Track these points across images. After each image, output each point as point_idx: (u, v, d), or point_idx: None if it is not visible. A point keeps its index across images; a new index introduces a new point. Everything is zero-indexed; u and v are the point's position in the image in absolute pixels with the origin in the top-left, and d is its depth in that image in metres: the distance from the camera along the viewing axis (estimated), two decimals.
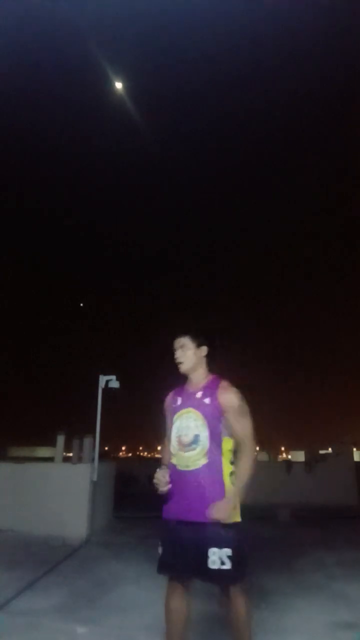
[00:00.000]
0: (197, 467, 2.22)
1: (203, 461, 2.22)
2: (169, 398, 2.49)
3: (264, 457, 13.72)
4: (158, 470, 2.31)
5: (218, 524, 2.12)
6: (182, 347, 2.39)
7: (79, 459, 6.70)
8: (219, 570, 2.06)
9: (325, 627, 2.98)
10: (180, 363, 2.39)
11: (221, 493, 2.18)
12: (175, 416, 2.35)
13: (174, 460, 2.30)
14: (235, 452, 2.32)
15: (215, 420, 2.28)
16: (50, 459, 8.01)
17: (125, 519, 7.51)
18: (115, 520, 7.34)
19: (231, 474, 2.24)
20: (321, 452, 12.51)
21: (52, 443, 7.65)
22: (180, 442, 2.28)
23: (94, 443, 6.74)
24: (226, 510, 2.12)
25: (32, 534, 5.63)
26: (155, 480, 2.27)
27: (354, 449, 12.84)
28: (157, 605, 2.89)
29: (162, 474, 2.27)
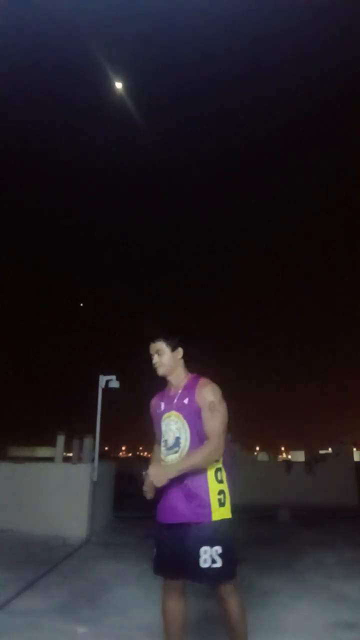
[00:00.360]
0: None
1: None
2: (153, 403, 2.47)
3: (264, 457, 13.74)
4: (144, 476, 2.30)
5: (211, 522, 2.12)
6: (157, 352, 2.37)
7: (79, 459, 6.70)
8: (210, 569, 2.05)
9: (325, 627, 2.97)
10: (157, 368, 2.38)
11: (205, 491, 2.16)
12: (162, 422, 2.35)
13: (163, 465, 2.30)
14: None
15: (196, 419, 2.24)
16: (50, 459, 8.00)
17: (125, 519, 7.51)
18: (115, 520, 7.33)
19: (217, 470, 2.22)
20: (321, 452, 12.51)
21: (52, 443, 7.65)
22: (165, 446, 2.31)
23: (94, 443, 6.74)
24: (162, 473, 2.11)
25: (32, 534, 5.63)
26: (144, 488, 2.29)
27: (354, 449, 12.84)
28: (157, 605, 2.89)
29: (147, 483, 2.28)
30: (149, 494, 2.27)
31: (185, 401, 2.29)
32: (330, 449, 13.02)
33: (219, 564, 2.06)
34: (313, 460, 10.71)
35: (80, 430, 7.09)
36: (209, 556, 2.06)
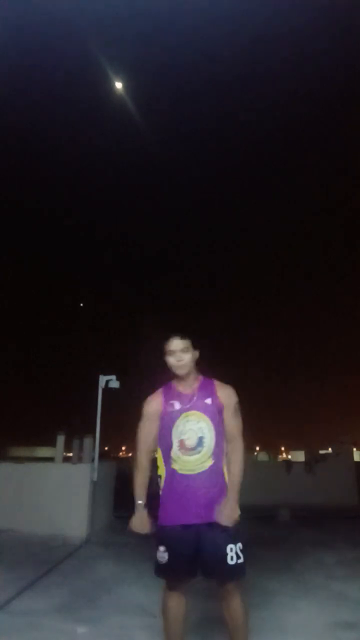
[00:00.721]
0: (203, 469, 2.24)
1: (209, 463, 2.25)
2: (159, 403, 2.39)
3: (264, 457, 13.73)
4: (139, 510, 2.31)
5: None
6: (183, 350, 2.35)
7: (79, 459, 6.70)
8: (237, 565, 2.15)
9: (325, 627, 2.97)
10: (180, 366, 2.35)
11: (224, 490, 2.25)
12: (177, 421, 2.30)
13: (174, 466, 2.27)
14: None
15: (219, 419, 2.31)
16: (50, 459, 8.01)
17: (125, 519, 7.44)
18: (115, 520, 7.33)
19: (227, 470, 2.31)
20: (321, 452, 12.52)
21: (52, 443, 7.65)
22: (182, 446, 2.26)
23: (94, 443, 6.74)
24: (234, 510, 2.19)
25: (32, 534, 5.63)
26: (136, 527, 2.29)
27: (354, 449, 12.84)
28: (158, 605, 2.89)
29: (140, 518, 2.30)
30: (145, 531, 2.28)
31: (208, 401, 2.32)
32: (330, 449, 13.03)
33: (242, 559, 2.17)
34: (313, 460, 10.70)
35: (80, 430, 7.10)
36: (235, 553, 2.15)
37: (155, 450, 2.40)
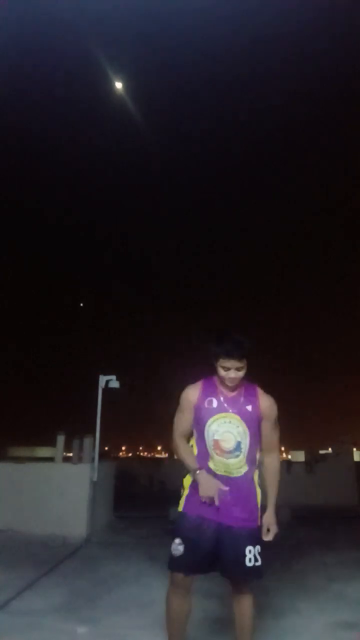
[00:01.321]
0: (240, 474, 2.26)
1: (244, 469, 2.27)
2: (198, 395, 2.35)
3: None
4: (203, 474, 2.22)
5: (256, 527, 2.27)
6: (238, 368, 2.28)
7: (79, 459, 6.69)
8: (254, 567, 2.19)
9: (325, 627, 2.97)
10: (233, 381, 2.29)
11: (255, 498, 2.32)
12: (212, 419, 2.28)
13: (210, 465, 2.26)
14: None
15: (257, 427, 2.32)
16: (50, 459, 8.00)
17: (125, 519, 7.51)
18: (115, 520, 7.33)
19: (258, 476, 2.38)
20: (321, 452, 12.52)
21: (52, 443, 7.64)
22: (219, 447, 2.25)
23: (94, 443, 6.74)
24: (275, 523, 2.33)
25: (32, 534, 5.63)
26: (206, 492, 2.19)
27: (354, 449, 12.84)
28: (158, 605, 2.89)
29: (216, 482, 2.22)
30: (208, 499, 2.22)
31: (249, 408, 2.31)
32: (330, 449, 13.03)
33: (259, 562, 2.21)
34: (313, 460, 10.71)
35: (80, 430, 7.09)
36: (253, 555, 2.20)
37: (189, 435, 2.40)
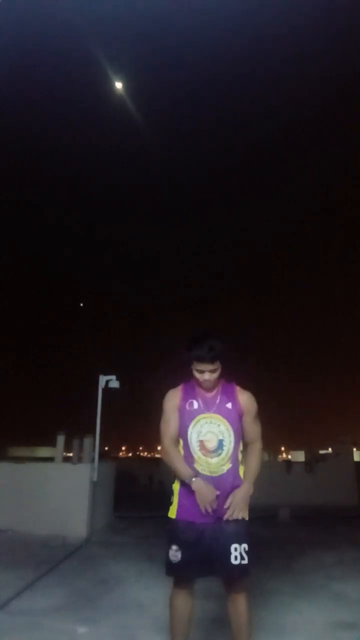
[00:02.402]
0: (222, 472, 2.27)
1: (227, 466, 2.28)
2: (178, 399, 2.40)
3: (264, 457, 13.70)
4: (199, 482, 2.22)
5: (238, 521, 2.23)
6: (212, 370, 2.32)
7: (79, 459, 6.69)
8: (240, 565, 2.18)
9: (325, 627, 2.97)
10: (207, 384, 2.34)
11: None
12: (194, 421, 2.32)
13: (197, 467, 2.28)
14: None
15: (238, 423, 2.35)
16: (50, 459, 8.00)
17: (125, 519, 7.51)
18: (115, 520, 7.33)
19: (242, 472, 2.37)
20: (321, 452, 12.51)
21: (52, 443, 7.65)
22: (204, 448, 2.28)
23: (94, 443, 6.74)
24: (245, 499, 2.26)
25: (32, 534, 5.63)
26: (204, 500, 2.19)
27: (354, 449, 12.83)
28: (158, 605, 2.89)
29: (212, 488, 2.21)
30: (213, 504, 2.21)
31: (229, 406, 2.35)
32: (330, 449, 13.02)
33: (246, 560, 2.20)
34: (313, 460, 10.70)
35: (80, 430, 7.09)
36: (239, 553, 2.19)
37: (177, 438, 2.41)
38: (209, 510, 2.19)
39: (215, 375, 2.34)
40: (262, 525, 6.75)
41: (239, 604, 2.22)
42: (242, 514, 2.24)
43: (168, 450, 2.38)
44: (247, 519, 2.27)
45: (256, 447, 2.43)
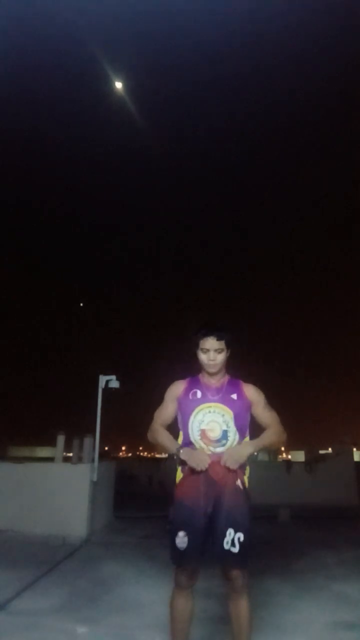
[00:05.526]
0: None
1: None
2: (182, 388, 2.41)
3: (264, 457, 13.73)
4: (187, 450, 2.23)
5: (240, 511, 2.20)
6: (217, 350, 2.33)
7: (79, 459, 6.69)
8: (229, 552, 2.13)
9: (325, 627, 2.97)
10: (212, 365, 2.34)
11: (242, 476, 2.29)
12: (197, 409, 2.31)
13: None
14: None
15: (244, 415, 2.34)
16: (50, 459, 8.01)
17: (125, 519, 7.51)
18: (115, 520, 7.34)
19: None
20: (321, 452, 12.52)
21: (52, 443, 7.65)
22: (206, 437, 2.26)
23: (94, 443, 6.74)
24: (244, 449, 2.22)
25: (32, 534, 5.63)
26: (198, 461, 2.17)
27: (354, 449, 12.84)
28: (158, 605, 2.89)
29: (194, 453, 2.20)
30: (202, 466, 2.18)
31: (234, 396, 2.34)
32: (330, 449, 13.03)
33: (235, 549, 2.13)
34: (313, 460, 10.71)
35: (80, 430, 7.10)
36: (231, 539, 2.14)
37: (168, 427, 2.41)
38: (206, 466, 2.15)
39: (221, 357, 2.33)
40: (262, 525, 6.75)
41: (240, 604, 2.20)
42: (232, 463, 2.17)
43: (156, 427, 2.39)
44: (235, 465, 2.18)
45: (275, 430, 2.35)
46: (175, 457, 2.34)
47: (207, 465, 2.17)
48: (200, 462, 2.17)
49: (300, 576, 4.19)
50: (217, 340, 2.31)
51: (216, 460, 2.21)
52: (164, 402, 2.45)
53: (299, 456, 17.65)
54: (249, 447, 2.25)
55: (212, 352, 2.32)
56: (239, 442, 2.28)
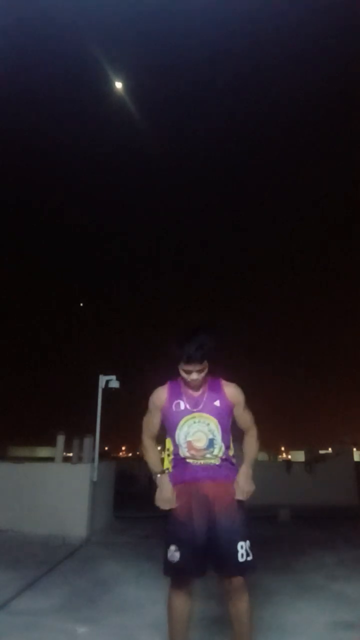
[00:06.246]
0: (217, 462, 2.32)
1: (218, 462, 2.32)
2: (164, 397, 2.41)
3: (263, 456, 13.73)
4: (164, 479, 2.30)
5: (236, 519, 2.24)
6: (199, 370, 2.32)
7: (79, 459, 6.69)
8: (246, 562, 2.18)
9: (325, 627, 2.97)
10: (195, 383, 2.34)
11: (234, 475, 2.36)
12: (182, 421, 2.32)
13: (189, 460, 2.32)
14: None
15: (227, 419, 2.37)
16: (50, 459, 8.01)
17: (125, 519, 7.50)
18: (115, 520, 7.33)
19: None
20: (321, 452, 12.51)
21: (52, 443, 7.65)
22: (193, 448, 2.29)
23: (94, 443, 6.74)
24: (248, 482, 2.32)
25: (32, 534, 5.63)
26: (162, 500, 2.27)
27: (354, 449, 12.84)
28: (158, 605, 2.89)
29: (165, 489, 2.28)
30: (162, 507, 2.28)
31: (217, 403, 2.35)
32: (330, 449, 13.02)
33: (251, 556, 2.20)
34: (313, 460, 10.70)
35: (80, 430, 7.09)
36: (245, 551, 2.19)
37: (156, 435, 2.47)
38: (163, 507, 2.25)
39: (203, 374, 2.34)
40: (262, 525, 6.74)
41: (241, 604, 2.21)
42: (247, 492, 2.31)
43: (146, 445, 2.48)
44: (252, 492, 2.32)
45: (252, 434, 2.49)
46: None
47: (167, 508, 2.26)
48: (162, 503, 2.27)
49: (300, 576, 4.19)
50: (200, 363, 2.30)
51: (205, 475, 2.27)
52: (149, 411, 2.48)
53: (299, 456, 17.65)
54: (249, 473, 2.37)
55: (194, 373, 2.31)
56: (226, 448, 2.33)
